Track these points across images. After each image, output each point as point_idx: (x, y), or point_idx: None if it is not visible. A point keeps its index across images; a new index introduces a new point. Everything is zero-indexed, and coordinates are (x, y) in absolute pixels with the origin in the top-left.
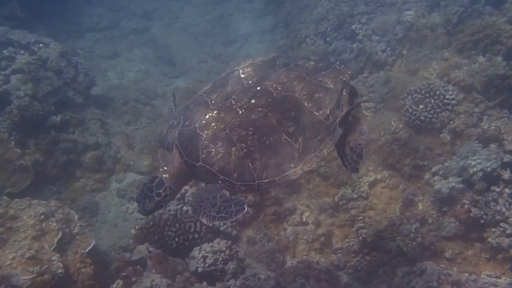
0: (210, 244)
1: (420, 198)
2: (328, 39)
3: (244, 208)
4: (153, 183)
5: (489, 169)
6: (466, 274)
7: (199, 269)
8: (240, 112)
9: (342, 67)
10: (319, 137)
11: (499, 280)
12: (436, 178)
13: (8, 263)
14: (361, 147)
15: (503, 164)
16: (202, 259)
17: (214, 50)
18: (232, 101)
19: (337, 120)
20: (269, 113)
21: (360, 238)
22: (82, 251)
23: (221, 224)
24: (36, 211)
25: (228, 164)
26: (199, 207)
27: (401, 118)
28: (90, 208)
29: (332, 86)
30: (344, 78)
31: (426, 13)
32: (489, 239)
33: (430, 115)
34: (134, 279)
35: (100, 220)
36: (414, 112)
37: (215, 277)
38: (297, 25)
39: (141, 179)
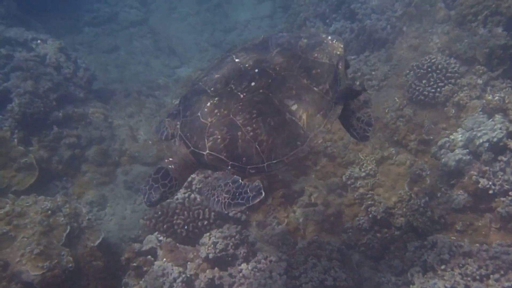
0: (220, 229)
1: (428, 173)
2: (327, 21)
3: (261, 193)
4: (158, 174)
5: (495, 139)
6: (477, 245)
7: (210, 255)
8: (242, 96)
9: (334, 41)
10: (321, 112)
11: (510, 249)
12: (442, 151)
13: (17, 260)
14: (368, 114)
15: (509, 134)
16: (212, 245)
17: (215, 38)
18: (232, 86)
19: (338, 94)
20: (270, 94)
21: (370, 216)
22: (92, 244)
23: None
24: (43, 207)
25: (235, 149)
26: (212, 196)
27: (405, 94)
28: (97, 201)
29: (327, 61)
30: (338, 52)
31: None
32: (498, 209)
33: (433, 90)
34: (145, 269)
35: (109, 213)
36: (417, 88)
37: (227, 262)
38: (296, 8)
39: (147, 170)
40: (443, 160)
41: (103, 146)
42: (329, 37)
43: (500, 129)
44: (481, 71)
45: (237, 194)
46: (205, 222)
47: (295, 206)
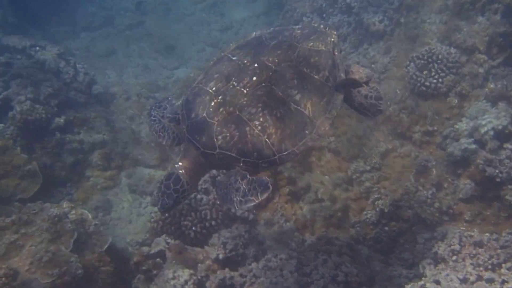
0: (229, 229)
1: (434, 164)
2: (324, 15)
3: (268, 188)
4: (169, 180)
5: (500, 127)
6: (487, 234)
7: (220, 256)
8: (245, 91)
9: (327, 29)
10: (325, 99)
11: None
12: (447, 141)
13: (26, 268)
14: (375, 89)
15: None
16: (222, 246)
17: (211, 38)
18: (234, 83)
19: (338, 81)
20: (273, 86)
21: (377, 209)
22: (100, 250)
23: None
24: (49, 214)
25: (245, 145)
26: (225, 195)
27: (406, 86)
28: (102, 206)
29: (324, 49)
30: (332, 39)
31: None
32: (506, 197)
33: (435, 80)
34: (155, 272)
35: (114, 217)
36: (418, 79)
37: (237, 262)
38: (292, 4)
39: (151, 172)
40: (449, 150)
41: (105, 150)
42: (321, 25)
43: (505, 116)
44: (481, 60)
45: (246, 190)
46: (213, 223)
47: (302, 202)
